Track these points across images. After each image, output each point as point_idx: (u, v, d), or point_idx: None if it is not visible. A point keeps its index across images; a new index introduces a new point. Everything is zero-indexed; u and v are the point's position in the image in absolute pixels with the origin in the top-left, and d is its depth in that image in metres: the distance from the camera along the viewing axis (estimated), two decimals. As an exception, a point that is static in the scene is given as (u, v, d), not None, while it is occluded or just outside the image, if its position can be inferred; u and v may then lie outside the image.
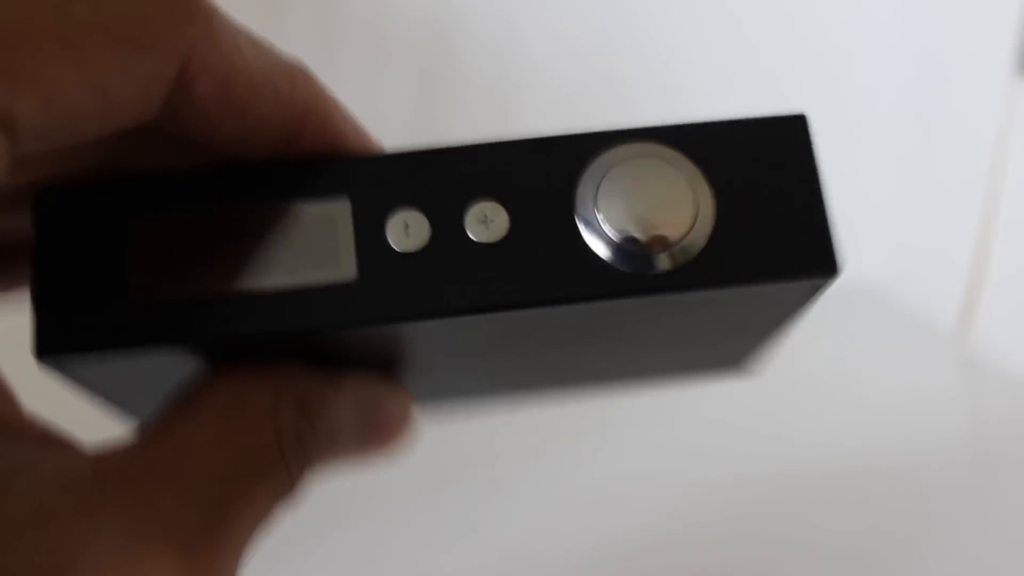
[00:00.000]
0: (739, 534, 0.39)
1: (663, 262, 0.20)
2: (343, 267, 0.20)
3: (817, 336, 0.33)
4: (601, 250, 0.20)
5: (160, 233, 0.21)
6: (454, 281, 0.20)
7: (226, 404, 0.21)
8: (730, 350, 0.27)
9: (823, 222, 0.20)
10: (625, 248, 0.20)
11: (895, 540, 0.39)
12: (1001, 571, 0.39)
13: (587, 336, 0.24)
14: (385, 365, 0.24)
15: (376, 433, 0.24)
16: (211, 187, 0.21)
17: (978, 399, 0.48)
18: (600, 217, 0.20)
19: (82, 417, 0.25)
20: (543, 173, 0.21)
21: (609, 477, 0.41)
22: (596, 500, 0.41)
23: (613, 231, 0.20)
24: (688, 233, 0.20)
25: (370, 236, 0.20)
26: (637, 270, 0.20)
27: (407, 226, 0.20)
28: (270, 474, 0.21)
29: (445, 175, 0.21)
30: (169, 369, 0.21)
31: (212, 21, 0.19)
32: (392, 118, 0.53)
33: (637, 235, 0.20)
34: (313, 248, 0.20)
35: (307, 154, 0.21)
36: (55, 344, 0.20)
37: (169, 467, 0.20)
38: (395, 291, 0.20)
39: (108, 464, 0.20)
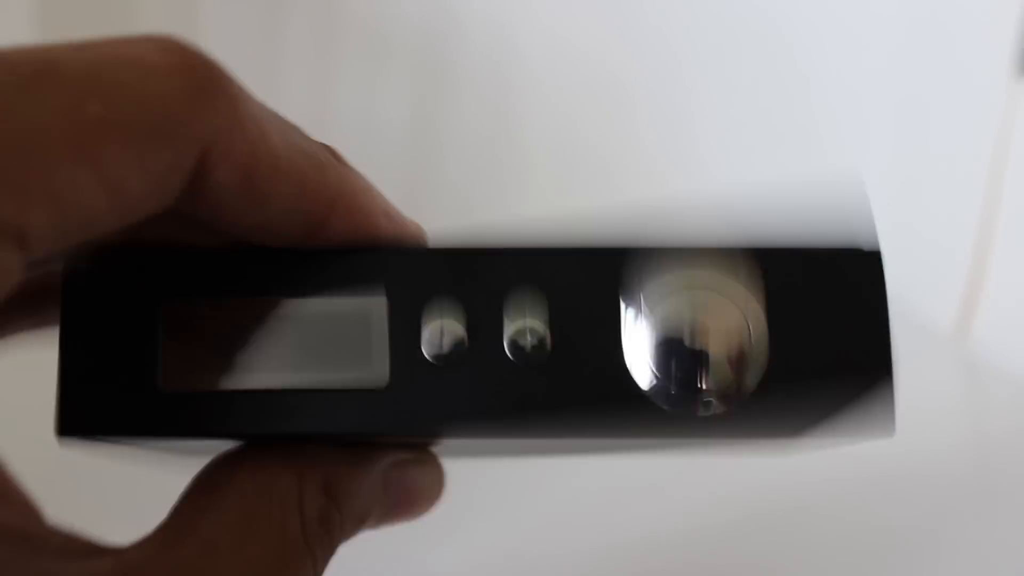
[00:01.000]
0: (737, 538, 0.39)
1: (711, 406, 0.19)
2: (375, 370, 0.19)
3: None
4: (645, 384, 0.19)
5: (191, 319, 0.20)
6: (488, 399, 0.19)
7: (250, 493, 0.20)
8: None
9: (886, 367, 0.19)
10: (671, 389, 0.19)
11: (895, 542, 0.39)
12: (1002, 572, 0.38)
13: (627, 448, 0.23)
14: (420, 444, 0.23)
15: (404, 507, 0.23)
16: (246, 272, 0.20)
17: (978, 401, 0.48)
18: (648, 352, 0.19)
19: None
20: (589, 290, 0.19)
21: (611, 479, 0.41)
22: (598, 502, 0.41)
23: (661, 369, 0.19)
24: (742, 376, 0.19)
25: (405, 340, 0.19)
26: (682, 411, 0.19)
27: (443, 332, 0.19)
28: (295, 564, 0.20)
29: (485, 278, 0.20)
30: (196, 447, 0.21)
31: (237, 107, 0.18)
32: (391, 119, 0.52)
33: (685, 375, 0.19)
34: (346, 346, 0.20)
35: (334, 241, 0.20)
36: (77, 426, 0.19)
37: (193, 568, 0.19)
38: (425, 404, 0.19)
39: (129, 566, 0.19)
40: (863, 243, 0.20)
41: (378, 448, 0.22)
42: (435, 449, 0.23)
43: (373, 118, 0.52)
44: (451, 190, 0.53)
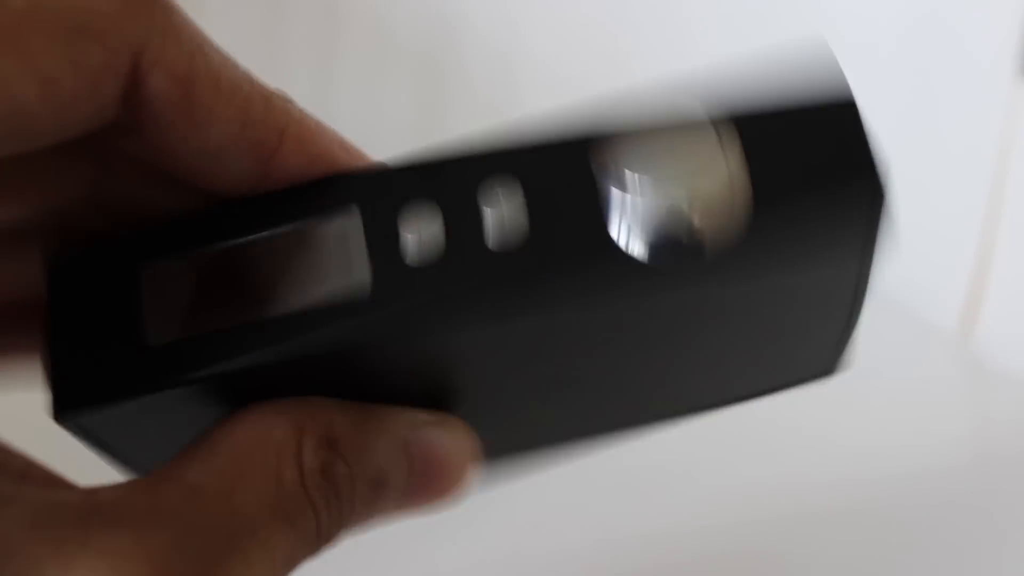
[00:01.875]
0: (739, 536, 0.39)
1: (702, 252, 0.18)
2: (357, 282, 0.19)
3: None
4: (631, 245, 0.18)
5: (171, 275, 0.20)
6: (473, 291, 0.19)
7: (243, 443, 0.19)
8: (811, 349, 0.24)
9: (865, 147, 0.19)
10: (662, 239, 0.18)
11: (897, 541, 0.39)
12: (1005, 572, 0.38)
13: (636, 350, 0.22)
14: (438, 403, 0.22)
15: (431, 478, 0.21)
16: (217, 224, 0.20)
17: (981, 400, 0.47)
18: (631, 204, 0.18)
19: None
20: (564, 170, 0.19)
21: (617, 473, 0.41)
22: (602, 497, 0.41)
23: (647, 219, 0.18)
24: (728, 219, 0.18)
25: (383, 247, 0.19)
26: (677, 261, 0.18)
27: (421, 230, 0.19)
28: (292, 518, 0.18)
29: (457, 178, 0.19)
30: (197, 416, 0.20)
31: (170, 15, 0.18)
32: (394, 118, 0.52)
33: (675, 220, 0.18)
34: (326, 268, 0.19)
35: (290, 174, 0.20)
36: (73, 401, 0.19)
37: (170, 509, 0.17)
38: (411, 304, 0.19)
39: (99, 501, 0.18)
40: (837, 97, 0.20)
41: (394, 408, 0.21)
42: (462, 418, 0.22)
43: (375, 118, 0.52)
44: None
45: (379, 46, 0.54)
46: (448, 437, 0.21)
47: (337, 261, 0.19)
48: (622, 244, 0.18)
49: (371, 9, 0.54)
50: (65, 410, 0.19)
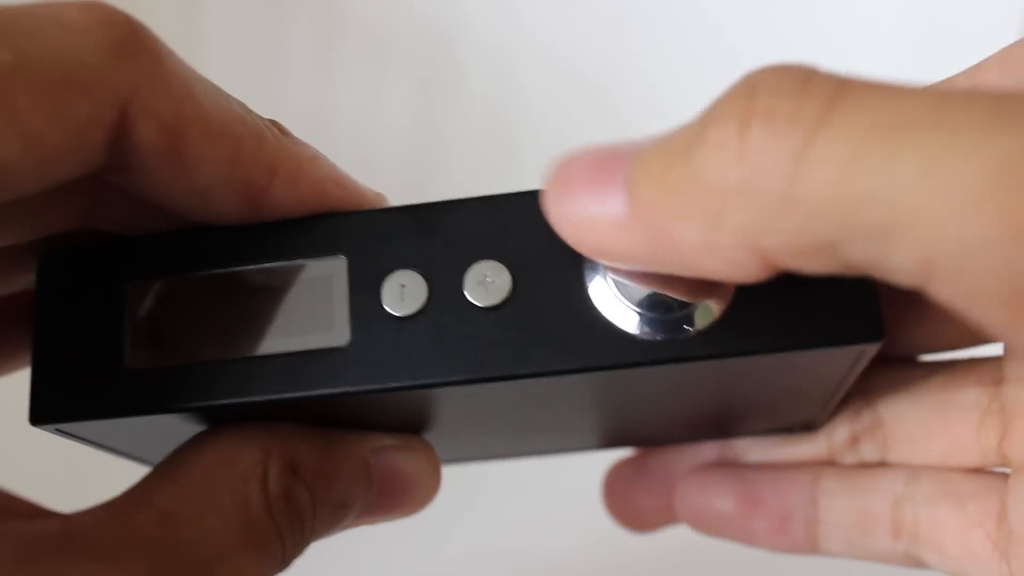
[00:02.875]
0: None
1: (684, 326, 0.18)
2: (336, 331, 0.19)
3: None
4: (614, 316, 0.19)
5: (155, 296, 0.20)
6: (451, 348, 0.19)
7: (212, 467, 0.19)
8: (795, 408, 0.24)
9: (871, 295, 0.18)
10: (642, 312, 0.18)
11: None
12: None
13: (614, 401, 0.22)
14: (402, 425, 0.22)
15: (393, 496, 0.22)
16: (204, 248, 0.20)
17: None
18: (611, 281, 0.19)
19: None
20: (548, 231, 0.18)
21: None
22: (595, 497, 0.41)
23: (627, 293, 0.18)
24: (711, 292, 0.18)
25: (365, 297, 0.19)
26: (655, 335, 0.18)
27: (403, 287, 0.19)
28: (259, 543, 0.19)
29: (443, 232, 0.19)
30: (170, 427, 0.20)
31: (160, 63, 0.18)
32: (393, 120, 0.53)
33: (654, 296, 0.18)
34: (308, 310, 0.20)
35: (279, 212, 0.20)
36: (48, 413, 0.19)
37: (144, 537, 0.18)
38: (388, 358, 0.19)
39: (75, 530, 0.18)
40: None
41: (359, 433, 0.21)
42: (430, 440, 0.23)
43: (375, 119, 0.52)
44: (453, 191, 0.53)
45: (379, 45, 0.54)
46: (411, 460, 0.22)
47: (318, 304, 0.20)
48: (605, 313, 0.19)
49: (371, 9, 0.54)
50: (40, 420, 0.20)
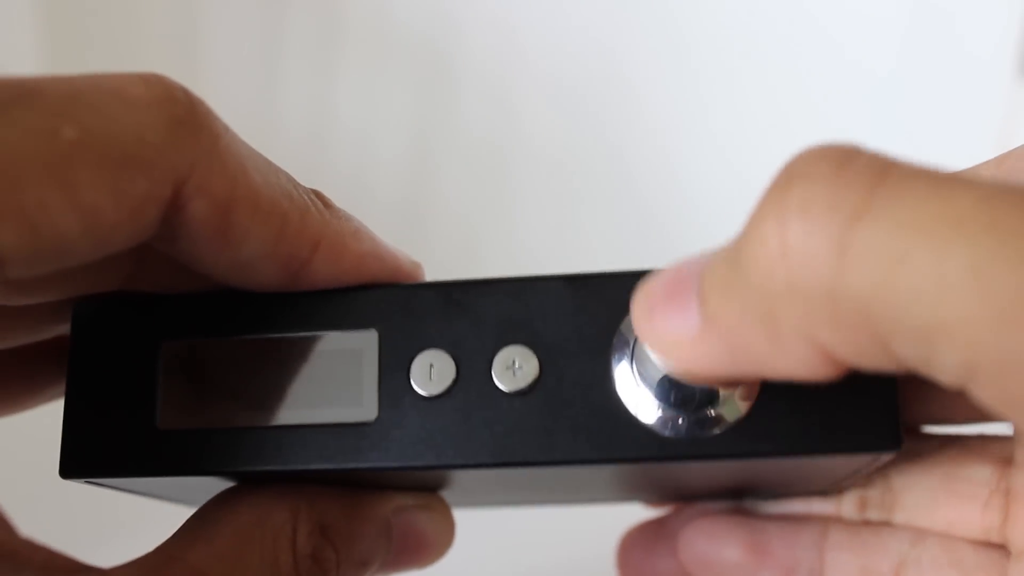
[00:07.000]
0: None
1: (707, 426, 0.18)
2: (365, 406, 0.20)
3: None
4: (639, 410, 0.19)
5: (189, 360, 0.20)
6: (475, 431, 0.19)
7: (243, 526, 0.20)
8: (810, 480, 0.24)
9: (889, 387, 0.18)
10: (664, 410, 0.19)
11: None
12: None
13: (630, 479, 0.22)
14: (422, 486, 0.23)
15: (411, 554, 0.22)
16: (241, 313, 0.20)
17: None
18: (638, 373, 0.19)
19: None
20: (577, 318, 0.19)
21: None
22: (599, 511, 0.41)
23: (652, 389, 0.19)
24: (733, 393, 0.18)
25: (394, 374, 0.20)
26: (679, 434, 0.19)
27: (432, 367, 0.19)
28: None
29: (474, 313, 0.20)
30: (199, 482, 0.21)
31: (217, 142, 0.18)
32: (392, 122, 0.53)
33: (678, 395, 0.18)
34: (338, 383, 0.20)
35: (318, 284, 0.20)
36: (78, 467, 0.20)
37: None
38: (413, 437, 0.19)
39: None
40: None
41: (381, 493, 0.22)
42: (445, 496, 0.23)
43: (374, 120, 0.52)
44: (452, 192, 0.53)
45: (379, 44, 0.54)
46: (429, 519, 0.23)
47: (348, 378, 0.20)
48: (630, 406, 0.19)
49: (370, 12, 0.54)
50: (70, 474, 0.20)
